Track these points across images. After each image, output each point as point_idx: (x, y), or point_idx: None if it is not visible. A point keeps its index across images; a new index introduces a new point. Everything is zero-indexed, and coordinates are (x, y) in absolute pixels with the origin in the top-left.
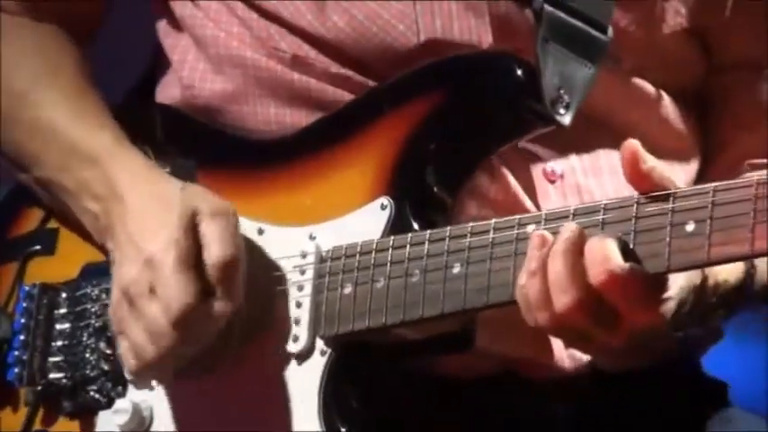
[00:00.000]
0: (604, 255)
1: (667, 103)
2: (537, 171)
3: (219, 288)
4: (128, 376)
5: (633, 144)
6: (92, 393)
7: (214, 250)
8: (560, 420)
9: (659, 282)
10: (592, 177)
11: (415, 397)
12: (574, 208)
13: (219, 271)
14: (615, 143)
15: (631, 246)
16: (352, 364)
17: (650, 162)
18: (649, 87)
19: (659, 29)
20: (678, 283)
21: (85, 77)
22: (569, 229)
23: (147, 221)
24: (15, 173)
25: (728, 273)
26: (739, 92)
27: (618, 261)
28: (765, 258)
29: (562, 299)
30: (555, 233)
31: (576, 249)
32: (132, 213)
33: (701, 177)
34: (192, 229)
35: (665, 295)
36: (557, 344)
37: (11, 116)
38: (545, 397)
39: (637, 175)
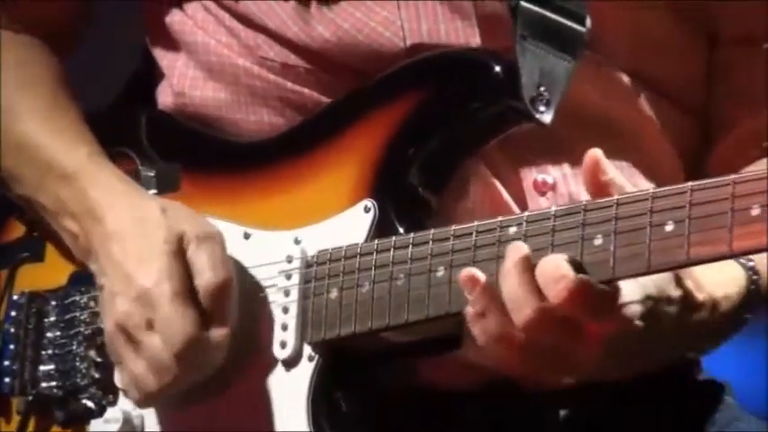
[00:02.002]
0: (560, 273)
1: (657, 103)
2: (528, 183)
3: (215, 314)
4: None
5: (596, 153)
6: (83, 402)
7: (207, 277)
8: (555, 428)
9: (612, 289)
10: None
11: (403, 403)
12: (555, 209)
13: (214, 297)
14: (608, 148)
15: (612, 247)
16: (340, 369)
17: (610, 173)
18: (640, 86)
19: (643, 6)
20: (634, 288)
21: (63, 91)
22: (519, 247)
23: (132, 248)
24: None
25: (727, 287)
26: (739, 69)
27: (573, 276)
28: (766, 264)
29: (522, 313)
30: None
31: (529, 266)
32: (114, 237)
33: (701, 160)
34: (180, 255)
35: (623, 300)
36: None
37: None
38: (538, 405)
39: (595, 184)
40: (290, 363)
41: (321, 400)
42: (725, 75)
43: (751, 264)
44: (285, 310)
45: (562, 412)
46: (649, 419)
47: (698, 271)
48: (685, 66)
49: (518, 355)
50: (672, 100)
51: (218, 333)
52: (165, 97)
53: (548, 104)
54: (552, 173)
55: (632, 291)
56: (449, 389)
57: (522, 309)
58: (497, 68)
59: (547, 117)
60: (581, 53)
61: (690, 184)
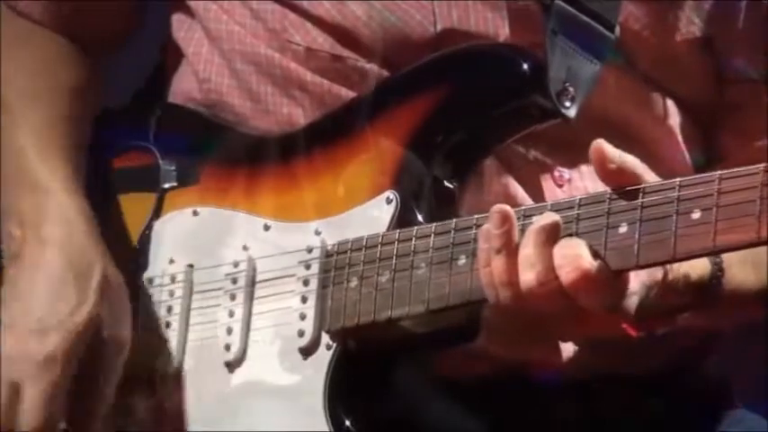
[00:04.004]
0: (576, 253)
1: (676, 114)
2: (546, 176)
3: None
4: None
5: (599, 144)
6: None
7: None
8: (563, 422)
9: (622, 279)
10: (600, 181)
11: (419, 393)
12: (579, 198)
13: None
14: (624, 149)
15: (636, 235)
16: (358, 357)
17: (617, 160)
18: (661, 96)
19: (672, 36)
20: (640, 279)
21: (71, 104)
22: (551, 216)
23: (46, 291)
24: None
25: (690, 267)
26: (744, 105)
27: (589, 259)
28: (734, 264)
29: (528, 275)
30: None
31: (551, 237)
32: (43, 272)
33: None
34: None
35: (629, 291)
36: (564, 347)
37: None
38: (548, 398)
39: (606, 175)
40: (308, 351)
41: (338, 387)
42: (729, 110)
43: (718, 260)
44: (304, 300)
45: (569, 406)
46: (656, 420)
47: None
48: (704, 90)
49: (512, 305)
50: (690, 113)
51: None
52: (186, 83)
53: (573, 100)
54: (569, 172)
55: (632, 282)
56: (464, 377)
57: (530, 270)
58: (525, 65)
59: (572, 112)
60: (608, 57)
61: (718, 172)
